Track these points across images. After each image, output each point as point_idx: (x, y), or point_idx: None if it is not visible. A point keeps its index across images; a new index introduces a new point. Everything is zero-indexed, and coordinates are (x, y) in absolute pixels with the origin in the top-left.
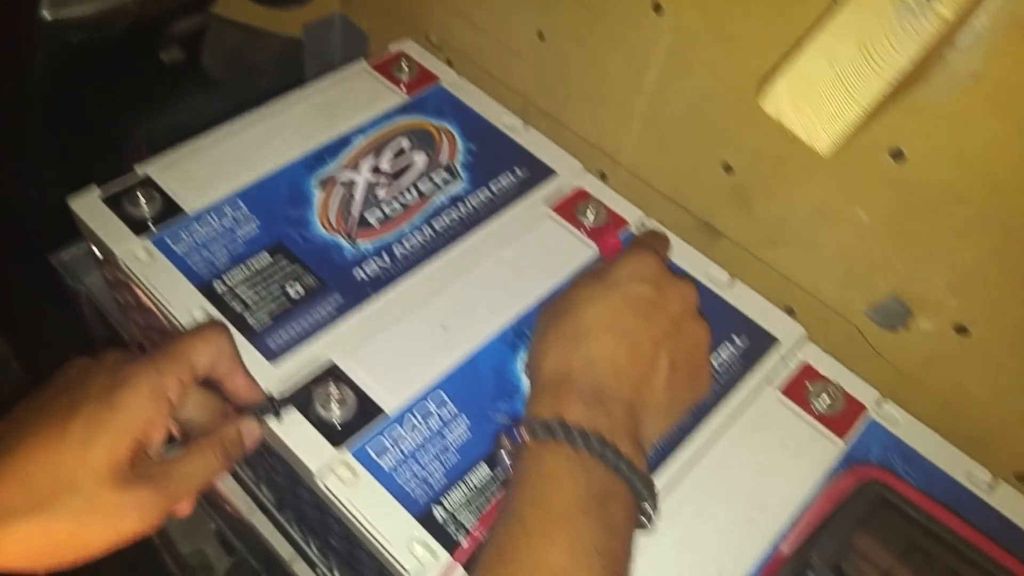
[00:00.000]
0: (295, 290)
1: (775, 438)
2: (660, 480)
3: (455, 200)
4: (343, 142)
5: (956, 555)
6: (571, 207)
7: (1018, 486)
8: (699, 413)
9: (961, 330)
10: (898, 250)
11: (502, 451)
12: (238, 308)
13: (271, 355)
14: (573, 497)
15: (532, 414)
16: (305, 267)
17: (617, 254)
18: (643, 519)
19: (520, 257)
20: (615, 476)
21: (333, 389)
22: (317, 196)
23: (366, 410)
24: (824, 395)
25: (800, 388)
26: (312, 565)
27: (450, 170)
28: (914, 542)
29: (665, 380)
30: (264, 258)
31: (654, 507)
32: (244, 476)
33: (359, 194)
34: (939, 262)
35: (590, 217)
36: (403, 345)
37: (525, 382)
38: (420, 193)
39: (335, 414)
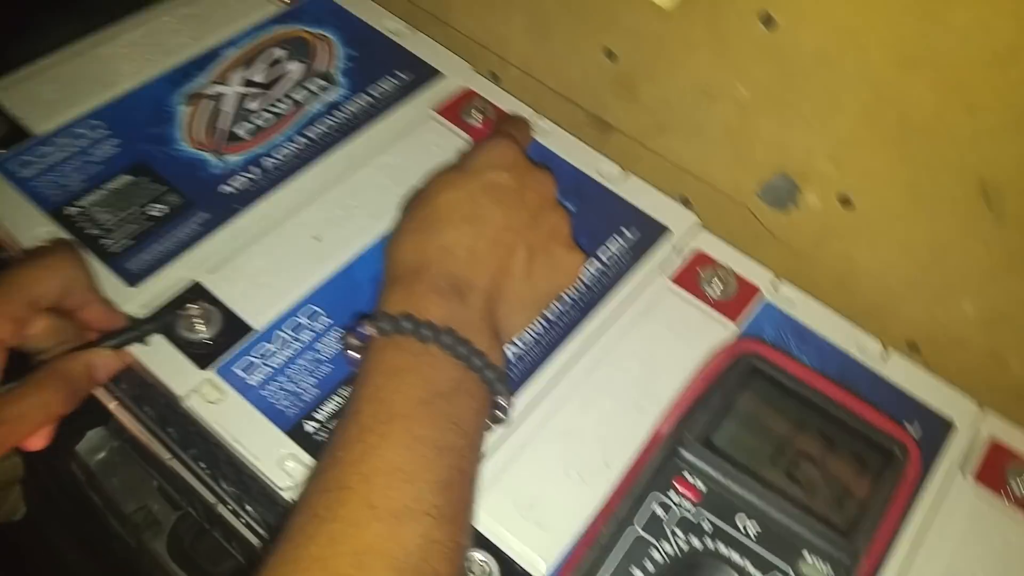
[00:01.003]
0: (157, 210)
1: (666, 326)
2: (545, 374)
3: (332, 107)
4: (211, 55)
5: (831, 421)
6: (457, 109)
7: (910, 354)
8: (585, 306)
9: (845, 201)
10: (779, 123)
11: (349, 352)
12: (93, 231)
13: (132, 278)
14: (415, 393)
15: (380, 309)
16: (168, 185)
17: None
18: (498, 414)
19: (400, 162)
20: (466, 370)
21: (197, 309)
22: (183, 112)
23: (233, 328)
24: (715, 280)
25: (692, 275)
26: (224, 503)
27: (327, 77)
28: (787, 411)
29: (524, 269)
30: (123, 179)
31: (508, 401)
32: (144, 417)
33: (229, 107)
34: (817, 132)
35: (477, 118)
36: (273, 259)
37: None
38: (295, 102)
39: (200, 334)
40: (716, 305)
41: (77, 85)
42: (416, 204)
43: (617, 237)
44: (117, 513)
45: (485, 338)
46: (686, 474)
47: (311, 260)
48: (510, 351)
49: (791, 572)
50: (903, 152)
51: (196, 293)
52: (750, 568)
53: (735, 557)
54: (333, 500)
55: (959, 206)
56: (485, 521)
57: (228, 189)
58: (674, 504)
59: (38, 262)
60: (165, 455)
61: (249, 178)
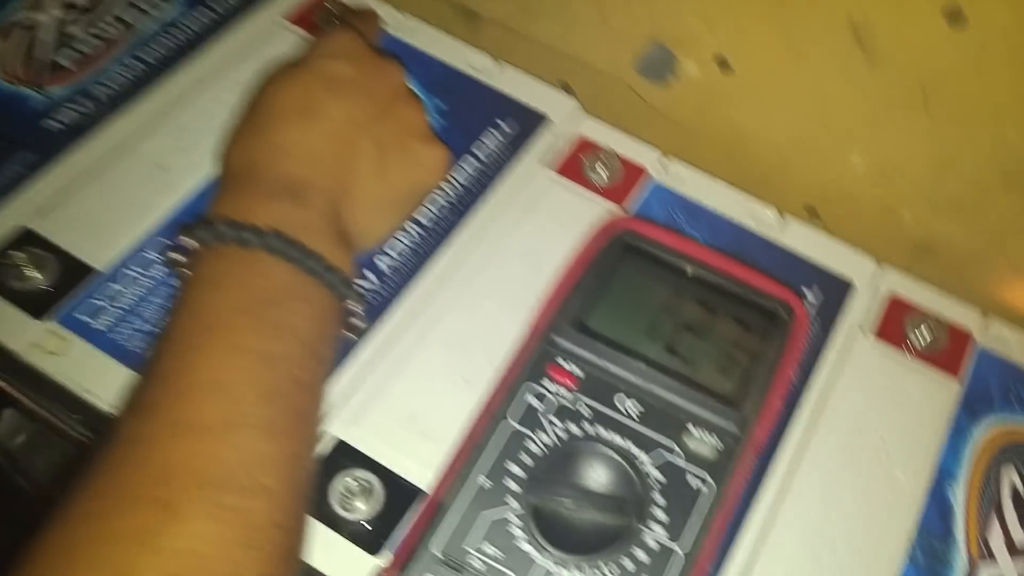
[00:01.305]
0: None
1: (551, 219)
2: (424, 282)
3: (167, 27)
4: None
5: (710, 289)
6: (576, 163)
7: (809, 219)
8: (463, 208)
9: (723, 64)
10: None
11: (177, 269)
12: None
13: None
14: (234, 301)
15: (203, 217)
16: None
17: None
18: (353, 321)
19: (247, 76)
20: (298, 273)
21: (23, 255)
22: None
23: (73, 272)
24: (599, 165)
25: (576, 164)
26: None
27: None
28: (664, 285)
29: (374, 166)
30: None
31: (359, 305)
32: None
33: (47, 35)
34: None
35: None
36: (115, 195)
37: None
38: (125, 23)
39: (34, 282)
40: (604, 192)
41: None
42: (248, 103)
43: (493, 131)
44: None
45: (325, 241)
46: (560, 361)
47: (158, 191)
48: (383, 262)
49: (676, 448)
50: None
51: (26, 239)
52: (633, 449)
53: (617, 440)
54: (140, 420)
55: (834, 52)
56: (365, 439)
57: (55, 124)
58: (550, 393)
59: None
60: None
61: (78, 110)
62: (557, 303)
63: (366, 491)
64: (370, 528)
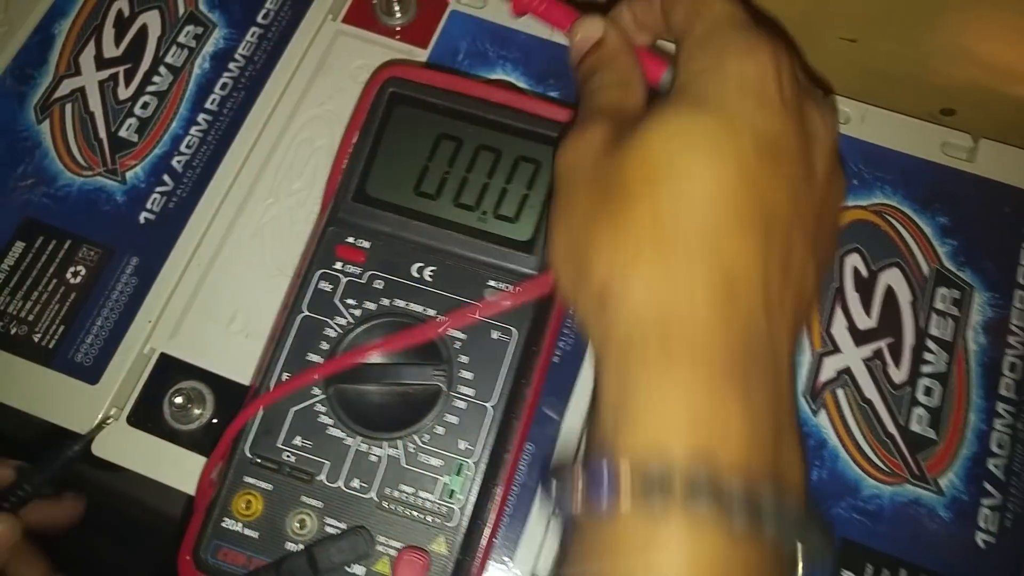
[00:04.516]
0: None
1: (348, 77)
2: (223, 174)
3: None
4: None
5: (490, 127)
6: (366, 8)
7: None
8: (249, 80)
9: None
10: None
11: (553, 505)
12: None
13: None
14: None
15: (627, 434)
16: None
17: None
18: None
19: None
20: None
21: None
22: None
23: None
24: (393, 5)
25: (364, 8)
26: None
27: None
28: (442, 133)
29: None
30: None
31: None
32: None
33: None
34: None
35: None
36: (239, 287)
37: (46, 134)
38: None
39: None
40: (399, 34)
41: None
42: (628, 184)
43: None
44: None
45: (796, 469)
46: (349, 239)
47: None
48: (176, 161)
49: (476, 304)
50: None
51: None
52: (431, 314)
53: (414, 308)
54: None
55: None
56: (187, 348)
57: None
58: (340, 274)
59: None
60: None
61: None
62: (339, 175)
63: (198, 399)
64: (205, 434)
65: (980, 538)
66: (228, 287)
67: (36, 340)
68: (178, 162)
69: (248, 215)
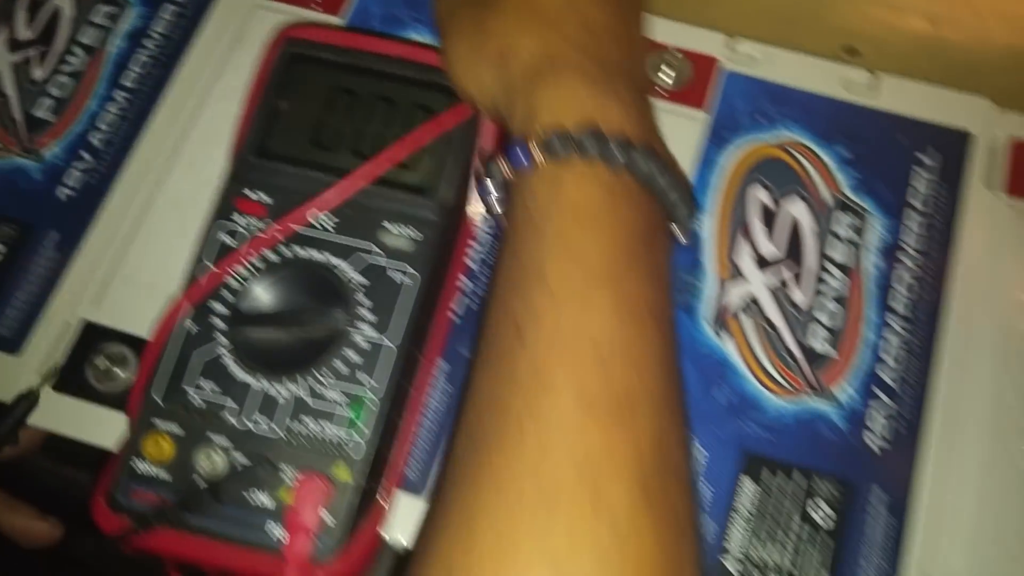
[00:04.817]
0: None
1: (262, 46)
2: (144, 138)
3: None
4: None
5: (386, 80)
6: None
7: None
8: (166, 56)
9: None
10: None
11: (488, 181)
12: None
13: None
14: (620, 236)
15: (534, 120)
16: None
17: None
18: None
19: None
20: (656, 199)
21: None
22: None
23: None
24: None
25: None
26: None
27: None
28: (339, 87)
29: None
30: None
31: (691, 227)
32: None
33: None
34: None
35: None
36: (160, 252)
37: None
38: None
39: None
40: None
41: None
42: None
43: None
44: None
45: (657, 141)
46: (247, 192)
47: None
48: (95, 138)
49: (374, 248)
50: None
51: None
52: (333, 259)
53: (315, 254)
54: (532, 394)
55: None
56: (111, 314)
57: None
58: (241, 227)
59: None
60: None
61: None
62: (241, 132)
63: (122, 361)
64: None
65: (875, 444)
66: (151, 255)
67: None
68: (97, 139)
69: (170, 185)
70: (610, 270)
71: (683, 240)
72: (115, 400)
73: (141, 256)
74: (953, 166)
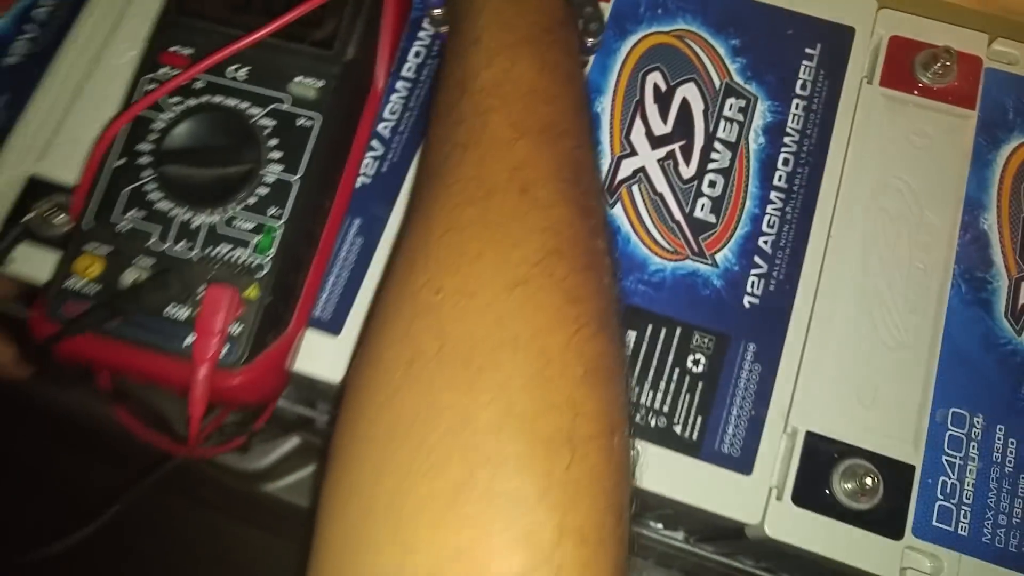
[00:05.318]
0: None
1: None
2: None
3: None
4: None
5: None
6: (903, 68)
7: None
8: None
9: None
10: None
11: None
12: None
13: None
14: (538, 19)
15: None
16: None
17: None
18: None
19: None
20: (573, 8)
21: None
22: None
23: None
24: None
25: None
26: None
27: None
28: None
29: None
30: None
31: (598, 33)
32: None
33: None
34: None
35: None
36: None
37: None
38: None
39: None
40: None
41: None
42: None
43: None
44: None
45: None
46: (173, 48)
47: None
48: None
49: (287, 96)
50: None
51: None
52: (246, 106)
53: (231, 101)
54: (473, 126)
55: None
56: (56, 168)
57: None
58: (164, 79)
59: None
60: None
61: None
62: None
63: (63, 208)
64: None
65: (747, 301)
66: (89, 111)
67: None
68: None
69: (108, 59)
70: (532, 36)
71: (591, 44)
72: (57, 242)
73: (86, 110)
74: (836, 58)
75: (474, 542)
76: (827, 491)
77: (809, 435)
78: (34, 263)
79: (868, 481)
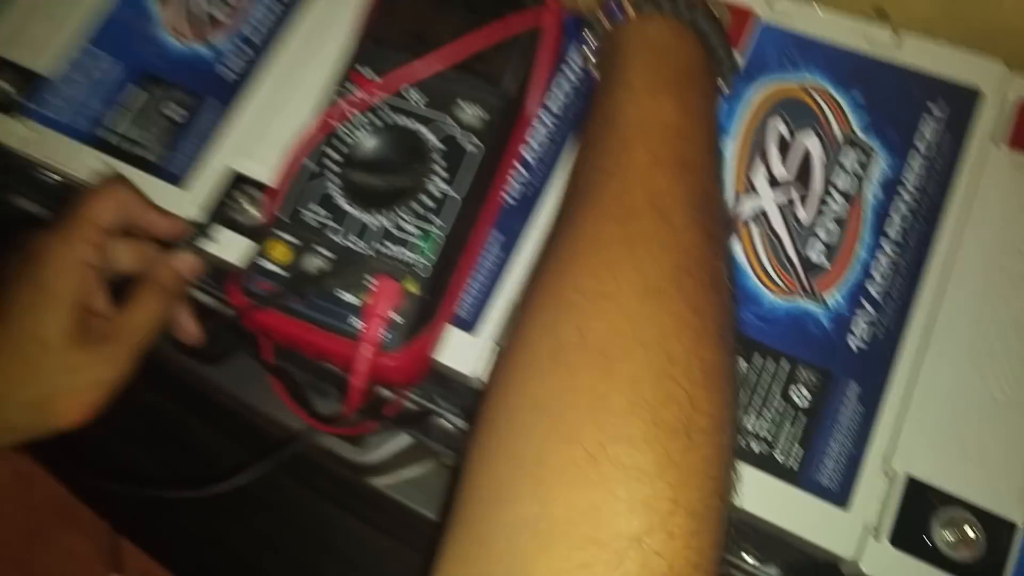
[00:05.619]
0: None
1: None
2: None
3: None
4: None
5: None
6: None
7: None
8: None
9: None
10: None
11: (589, 38)
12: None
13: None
14: (681, 67)
15: None
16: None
17: None
18: (722, 87)
19: None
20: (708, 50)
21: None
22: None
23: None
24: None
25: None
26: None
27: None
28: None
29: None
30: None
31: (732, 80)
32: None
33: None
34: None
35: None
36: (295, 126)
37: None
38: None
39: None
40: None
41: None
42: None
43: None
44: None
45: (714, 16)
46: (359, 68)
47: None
48: None
49: (450, 121)
50: None
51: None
52: (419, 127)
53: (406, 121)
54: (619, 157)
55: None
56: (256, 168)
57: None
58: (351, 94)
59: (90, 193)
60: None
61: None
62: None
63: (255, 200)
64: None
65: (853, 343)
66: (285, 122)
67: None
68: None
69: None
70: (675, 81)
71: (726, 90)
72: (248, 231)
73: (283, 120)
74: (960, 118)
75: (602, 503)
76: (926, 537)
77: (911, 479)
78: (227, 246)
79: (969, 533)
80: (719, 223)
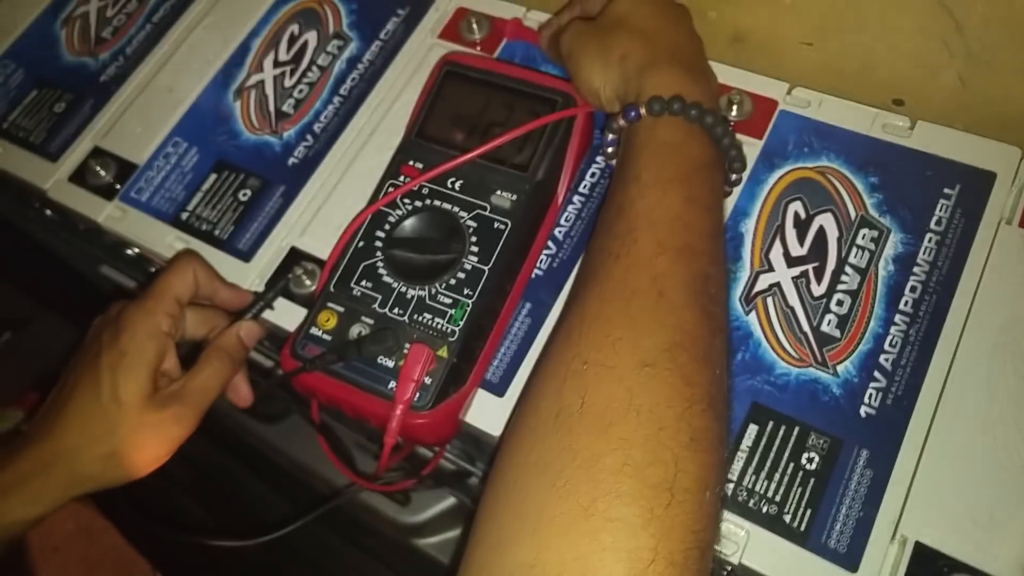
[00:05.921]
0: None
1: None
2: (348, 131)
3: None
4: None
5: (511, 93)
6: (454, 27)
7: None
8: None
9: None
10: None
11: (608, 133)
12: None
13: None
14: (688, 162)
15: (643, 93)
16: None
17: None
18: (732, 181)
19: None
20: (716, 146)
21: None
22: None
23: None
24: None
25: (453, 27)
26: None
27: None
28: (478, 96)
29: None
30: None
31: (741, 171)
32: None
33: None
34: None
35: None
36: (348, 205)
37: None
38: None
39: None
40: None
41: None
42: (618, 23)
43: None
44: None
45: (720, 116)
46: (410, 161)
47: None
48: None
49: (487, 205)
50: None
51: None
52: (457, 210)
53: (447, 205)
54: (626, 241)
55: None
56: (311, 242)
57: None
58: (401, 183)
59: (170, 269)
60: None
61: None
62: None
63: (312, 274)
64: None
65: (864, 411)
66: (338, 203)
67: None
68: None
69: (358, 160)
70: (683, 176)
71: (732, 181)
72: (302, 300)
73: (334, 203)
74: (975, 199)
75: (591, 551)
76: None
77: (919, 545)
78: (283, 314)
79: None
80: (718, 303)
